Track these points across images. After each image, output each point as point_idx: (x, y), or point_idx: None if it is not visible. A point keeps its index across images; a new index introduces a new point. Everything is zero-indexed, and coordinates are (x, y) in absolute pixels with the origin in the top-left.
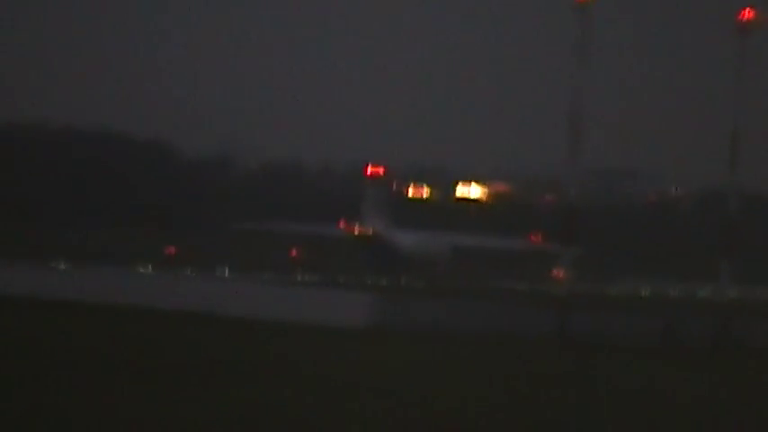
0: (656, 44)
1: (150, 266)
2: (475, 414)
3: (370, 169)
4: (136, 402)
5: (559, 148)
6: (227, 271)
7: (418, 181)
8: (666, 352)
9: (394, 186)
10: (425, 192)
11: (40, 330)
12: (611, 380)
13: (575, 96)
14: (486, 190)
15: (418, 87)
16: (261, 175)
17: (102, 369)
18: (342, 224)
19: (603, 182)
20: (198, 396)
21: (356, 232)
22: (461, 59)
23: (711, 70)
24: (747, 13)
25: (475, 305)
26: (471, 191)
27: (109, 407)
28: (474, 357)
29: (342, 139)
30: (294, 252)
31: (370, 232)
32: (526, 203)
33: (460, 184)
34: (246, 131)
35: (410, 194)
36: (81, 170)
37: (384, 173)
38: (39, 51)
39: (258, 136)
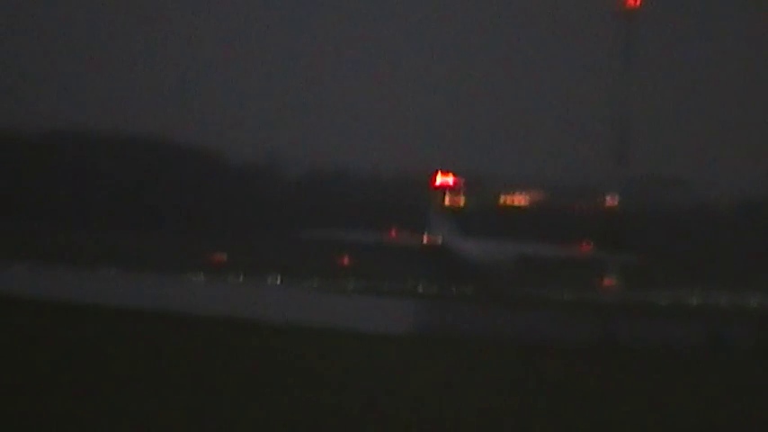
0: (701, 50)
1: (200, 273)
2: (508, 421)
3: (439, 178)
4: (174, 409)
5: (605, 156)
6: (278, 278)
7: (466, 189)
8: (713, 359)
9: (460, 195)
10: (469, 199)
11: (87, 336)
12: (657, 386)
13: (621, 103)
14: (532, 197)
15: (463, 95)
16: (308, 182)
17: (146, 376)
18: (409, 233)
19: (650, 189)
20: (235, 403)
21: (424, 242)
22: (505, 65)
23: (758, 74)
24: None
25: (520, 313)
26: (517, 198)
27: (152, 413)
28: (516, 365)
29: (388, 146)
30: (345, 260)
31: (438, 242)
32: (572, 210)
33: (506, 191)
34: (293, 137)
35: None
36: (130, 176)
37: (453, 182)
38: (81, 56)
39: (305, 142)
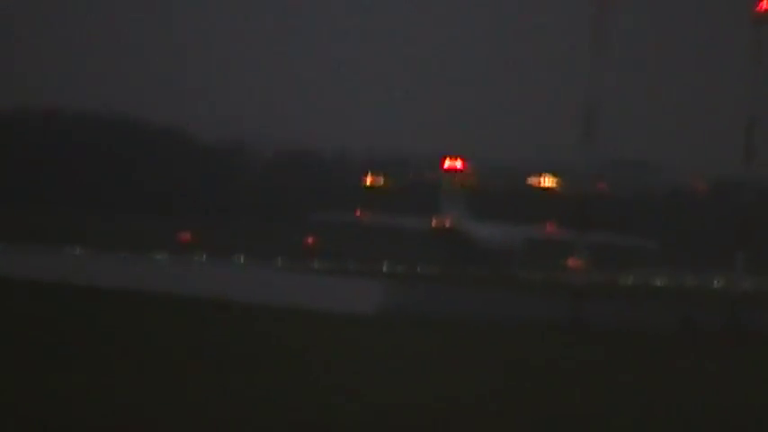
0: (671, 34)
1: (165, 253)
2: (483, 399)
3: (447, 162)
4: (142, 387)
5: (574, 139)
6: (242, 258)
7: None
8: (681, 340)
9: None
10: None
11: (53, 314)
12: (626, 366)
13: (590, 87)
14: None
15: (435, 81)
16: (276, 163)
17: (113, 353)
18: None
19: (619, 172)
20: (205, 381)
21: (434, 225)
22: (481, 50)
23: (727, 60)
24: (764, 4)
25: (494, 293)
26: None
27: (115, 390)
28: (484, 344)
29: (358, 128)
30: (311, 240)
31: (448, 224)
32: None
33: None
34: (261, 118)
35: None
36: (96, 156)
37: (462, 166)
38: (54, 38)
39: (273, 123)
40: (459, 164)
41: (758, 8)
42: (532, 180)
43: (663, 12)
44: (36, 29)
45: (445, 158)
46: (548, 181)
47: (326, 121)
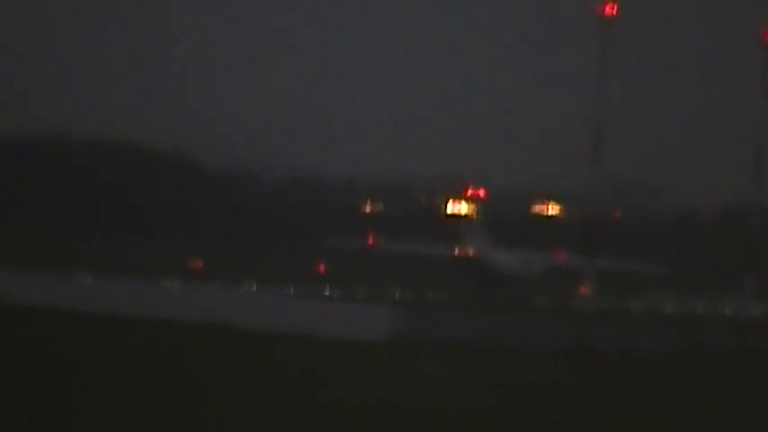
0: (680, 57)
1: (175, 279)
2: (488, 422)
3: (470, 190)
4: (154, 413)
5: (583, 163)
6: (253, 285)
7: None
8: (689, 366)
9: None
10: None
11: (63, 342)
12: (633, 392)
13: (598, 110)
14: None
15: (440, 103)
16: (284, 188)
17: (121, 381)
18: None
19: (627, 197)
20: (214, 407)
21: (457, 253)
22: (485, 74)
23: (736, 84)
24: None
25: (503, 319)
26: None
27: (128, 415)
28: (491, 369)
29: (364, 153)
30: (321, 267)
31: (471, 253)
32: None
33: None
34: (269, 144)
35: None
36: (105, 182)
37: (484, 195)
38: (63, 64)
39: (281, 149)
40: (480, 192)
41: (766, 35)
42: (536, 207)
43: (672, 35)
44: (42, 54)
45: (468, 187)
46: (552, 208)
47: (334, 146)
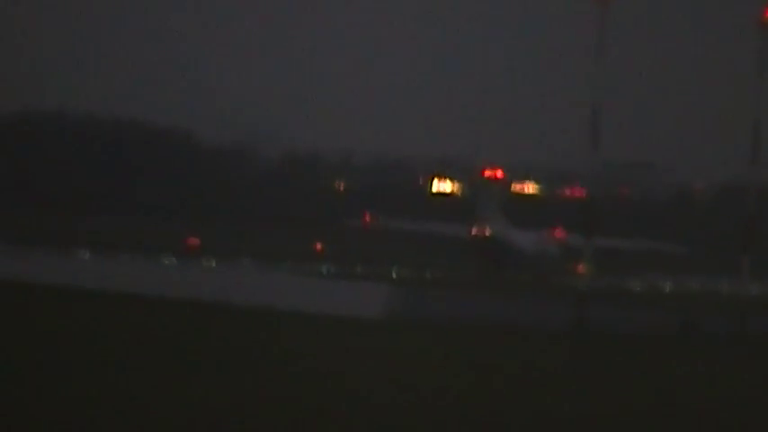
0: (677, 36)
1: (172, 256)
2: (483, 400)
3: (487, 171)
4: (149, 389)
5: (579, 142)
6: (249, 262)
7: (441, 174)
8: (686, 345)
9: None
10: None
11: (61, 319)
12: (629, 371)
13: (594, 90)
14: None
15: (436, 84)
16: (281, 166)
17: (121, 357)
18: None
19: (623, 175)
20: (211, 385)
21: (474, 233)
22: (481, 53)
23: (732, 63)
24: None
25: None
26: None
27: (122, 394)
28: (487, 347)
29: (362, 131)
30: (318, 245)
31: (488, 233)
32: (548, 197)
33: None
34: (267, 121)
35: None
36: (102, 159)
37: (501, 174)
38: (60, 40)
39: (279, 126)
40: (498, 172)
41: (765, 14)
42: (516, 186)
43: (669, 14)
44: (38, 30)
45: (484, 166)
46: (530, 187)
47: (332, 124)
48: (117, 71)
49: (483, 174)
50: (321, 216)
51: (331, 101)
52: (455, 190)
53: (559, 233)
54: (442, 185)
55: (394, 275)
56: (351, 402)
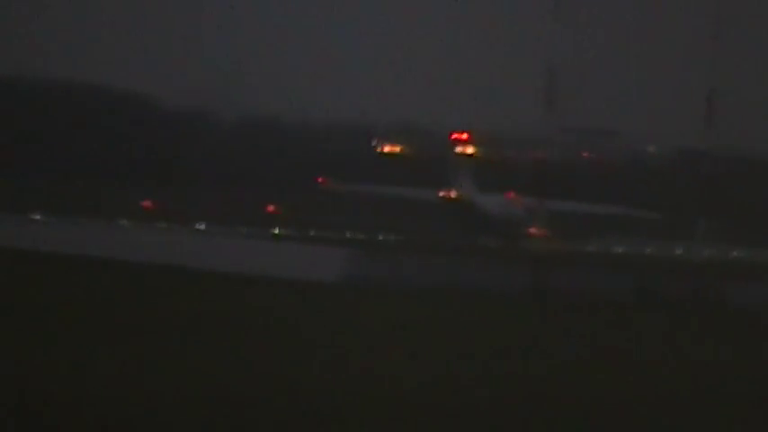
0: (633, 1)
1: (127, 220)
2: (435, 367)
3: (455, 134)
4: (103, 354)
5: (537, 107)
6: (204, 225)
7: (393, 137)
8: (641, 309)
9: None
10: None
11: (13, 282)
12: (586, 334)
13: (552, 54)
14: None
15: (394, 48)
16: (239, 129)
17: (72, 321)
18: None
19: (580, 140)
20: (164, 349)
21: (443, 196)
22: (437, 15)
23: (690, 27)
24: None
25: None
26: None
27: (76, 357)
28: (441, 312)
29: (319, 95)
30: (271, 207)
31: (457, 196)
32: (505, 160)
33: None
34: (223, 84)
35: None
36: (56, 120)
37: (469, 137)
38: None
39: (235, 89)
40: (466, 135)
41: None
42: (457, 147)
43: None
44: None
45: (452, 131)
46: (470, 148)
47: (289, 87)
48: (73, 35)
49: (450, 137)
50: (277, 179)
51: (288, 64)
52: (408, 153)
53: (515, 197)
54: (394, 148)
55: (350, 238)
56: (306, 365)
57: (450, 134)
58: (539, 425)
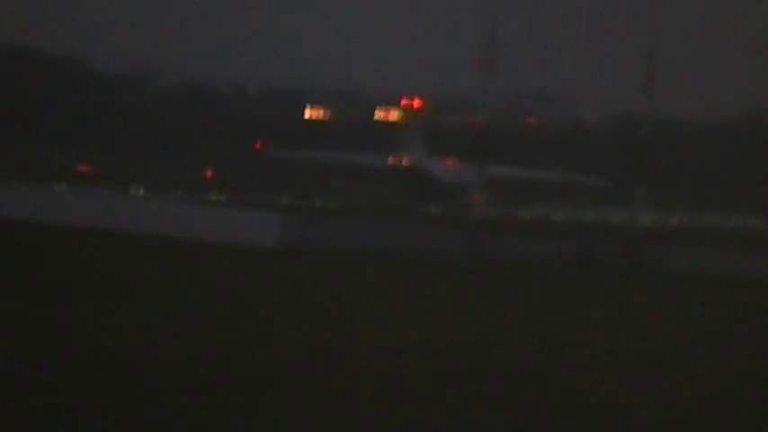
0: None
1: (63, 184)
2: (372, 331)
3: (405, 101)
4: (42, 318)
5: (473, 70)
6: (141, 190)
7: (321, 103)
8: (580, 275)
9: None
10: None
11: None
12: (525, 300)
13: (491, 17)
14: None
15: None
16: (177, 95)
17: (9, 286)
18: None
19: (517, 105)
20: (101, 315)
21: (393, 162)
22: None
23: None
24: None
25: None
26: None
27: (14, 322)
28: (380, 277)
29: (256, 61)
30: (209, 173)
31: (407, 163)
32: (440, 125)
33: (378, 106)
34: (162, 50)
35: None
36: None
37: (420, 104)
38: None
39: (174, 55)
40: (416, 102)
41: None
42: (379, 113)
43: None
44: None
45: (402, 96)
46: (394, 114)
47: (226, 54)
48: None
49: (401, 103)
50: (214, 145)
51: (226, 30)
52: (332, 119)
53: (452, 162)
54: (316, 113)
55: (286, 204)
56: (246, 331)
57: (401, 100)
58: (475, 392)
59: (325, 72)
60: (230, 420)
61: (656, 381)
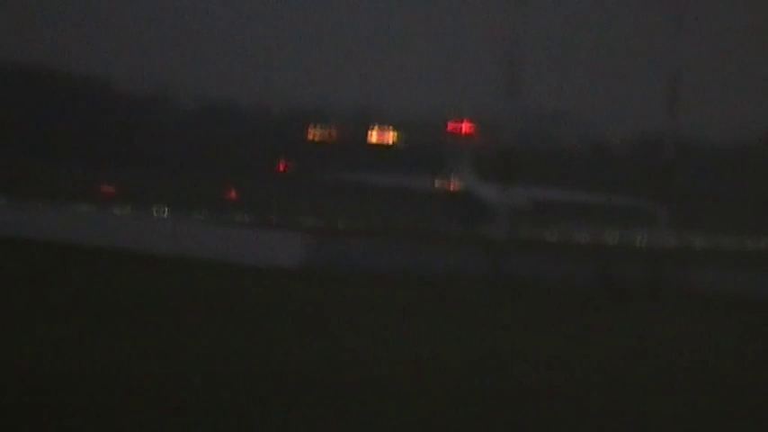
0: None
1: (87, 204)
2: (406, 350)
3: (453, 124)
4: (62, 339)
5: (495, 91)
6: (165, 211)
7: (346, 123)
8: (602, 296)
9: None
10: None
11: None
12: (546, 321)
13: (511, 37)
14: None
15: (351, 27)
16: (198, 114)
17: (34, 308)
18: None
19: (539, 126)
20: (124, 334)
21: (441, 186)
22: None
23: (652, 11)
24: None
25: (412, 245)
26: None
27: (37, 343)
28: (405, 298)
29: (276, 80)
30: (233, 193)
31: (456, 187)
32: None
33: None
34: (184, 69)
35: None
36: (16, 104)
37: (468, 128)
38: None
39: (195, 74)
40: (465, 125)
41: None
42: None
43: None
44: None
45: (450, 120)
46: (388, 136)
47: (248, 73)
48: (31, 18)
49: (447, 127)
50: (238, 165)
51: (248, 50)
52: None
53: (501, 185)
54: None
55: (311, 225)
56: (267, 351)
57: (447, 124)
58: (496, 409)
59: (339, 92)
60: None
61: (678, 404)
